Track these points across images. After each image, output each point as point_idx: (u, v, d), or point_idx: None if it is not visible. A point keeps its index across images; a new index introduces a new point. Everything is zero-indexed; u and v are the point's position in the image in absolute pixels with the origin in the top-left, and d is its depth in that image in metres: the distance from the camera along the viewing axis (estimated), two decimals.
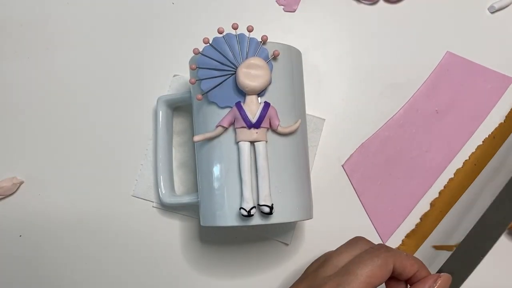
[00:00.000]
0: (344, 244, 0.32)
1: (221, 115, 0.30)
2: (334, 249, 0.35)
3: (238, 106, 0.29)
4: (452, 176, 0.41)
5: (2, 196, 0.38)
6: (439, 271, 0.35)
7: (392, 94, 0.41)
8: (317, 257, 0.36)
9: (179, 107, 0.39)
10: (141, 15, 0.42)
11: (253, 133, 0.29)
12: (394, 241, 0.40)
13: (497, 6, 0.43)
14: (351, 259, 0.29)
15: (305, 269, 0.33)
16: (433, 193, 0.40)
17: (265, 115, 0.29)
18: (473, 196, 0.40)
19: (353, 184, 0.40)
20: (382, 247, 0.30)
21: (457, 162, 0.41)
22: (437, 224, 0.39)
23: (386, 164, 0.40)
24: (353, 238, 0.32)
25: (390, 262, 0.28)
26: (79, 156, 0.39)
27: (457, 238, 0.37)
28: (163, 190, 0.37)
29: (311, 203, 0.33)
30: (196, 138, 0.31)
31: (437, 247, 0.40)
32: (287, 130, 0.30)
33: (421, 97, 0.41)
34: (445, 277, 0.29)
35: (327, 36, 0.42)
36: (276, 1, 0.42)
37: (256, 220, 0.29)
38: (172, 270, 0.38)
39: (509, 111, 0.42)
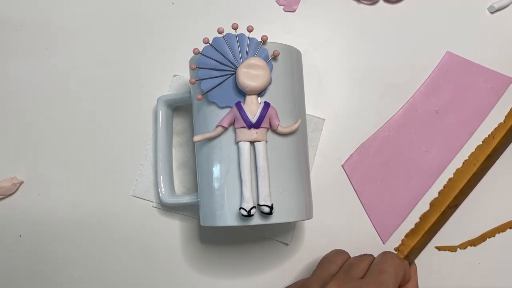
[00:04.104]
0: (317, 267, 0.33)
1: (221, 115, 0.30)
2: (332, 248, 0.36)
3: (238, 106, 0.29)
4: (452, 176, 0.41)
5: (2, 196, 0.38)
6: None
7: (392, 94, 0.41)
8: (317, 257, 0.36)
9: (179, 107, 0.39)
10: (141, 15, 0.42)
11: (253, 133, 0.29)
12: (394, 241, 0.40)
13: (497, 6, 0.43)
14: (374, 262, 0.30)
15: None
16: (433, 193, 0.40)
17: (265, 115, 0.29)
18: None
19: (353, 184, 0.40)
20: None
21: (457, 162, 0.41)
22: (437, 224, 0.39)
23: (386, 164, 0.40)
24: (323, 259, 0.34)
25: (403, 263, 0.31)
26: (79, 156, 0.39)
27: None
28: (163, 190, 0.37)
29: (311, 203, 0.33)
30: (196, 138, 0.31)
31: (439, 248, 0.40)
32: (287, 130, 0.30)
33: (421, 97, 0.41)
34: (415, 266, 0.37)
35: (327, 36, 0.42)
36: (276, 1, 0.42)
37: (256, 220, 0.29)
38: (172, 270, 0.38)
39: (509, 111, 0.42)
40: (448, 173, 0.41)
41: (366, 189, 0.40)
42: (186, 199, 0.36)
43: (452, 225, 0.40)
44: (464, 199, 0.40)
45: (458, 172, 0.41)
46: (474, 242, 0.40)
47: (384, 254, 0.33)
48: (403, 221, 0.40)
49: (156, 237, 0.39)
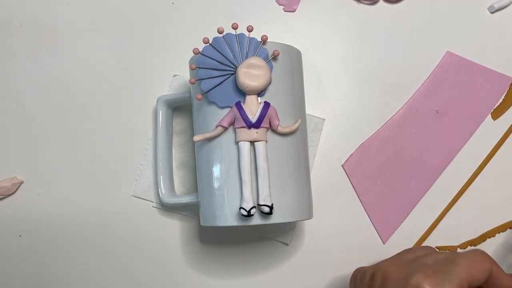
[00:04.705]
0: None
1: (221, 115, 0.30)
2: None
3: (238, 106, 0.29)
4: None
5: (2, 196, 0.38)
6: None
7: (392, 94, 0.41)
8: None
9: (179, 107, 0.39)
10: (141, 15, 0.42)
11: (253, 133, 0.29)
12: (394, 241, 0.40)
13: (497, 6, 0.43)
14: (451, 253, 0.29)
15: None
16: (433, 193, 0.40)
17: (265, 115, 0.29)
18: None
19: (353, 184, 0.40)
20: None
21: (457, 162, 0.41)
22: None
23: (386, 164, 0.40)
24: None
25: (489, 263, 0.28)
26: (79, 156, 0.39)
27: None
28: (163, 190, 0.37)
29: (311, 203, 0.33)
30: (196, 138, 0.31)
31: (439, 248, 0.40)
32: (287, 130, 0.30)
33: (421, 97, 0.41)
34: None
35: (327, 36, 0.42)
36: (276, 1, 0.42)
37: (256, 220, 0.29)
38: (172, 270, 0.38)
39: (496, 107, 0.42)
40: (448, 173, 0.41)
41: (366, 189, 0.40)
42: (186, 199, 0.36)
43: (452, 225, 0.40)
44: None
45: None
46: (474, 242, 0.40)
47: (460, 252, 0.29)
48: (403, 221, 0.40)
49: (156, 237, 0.39)
